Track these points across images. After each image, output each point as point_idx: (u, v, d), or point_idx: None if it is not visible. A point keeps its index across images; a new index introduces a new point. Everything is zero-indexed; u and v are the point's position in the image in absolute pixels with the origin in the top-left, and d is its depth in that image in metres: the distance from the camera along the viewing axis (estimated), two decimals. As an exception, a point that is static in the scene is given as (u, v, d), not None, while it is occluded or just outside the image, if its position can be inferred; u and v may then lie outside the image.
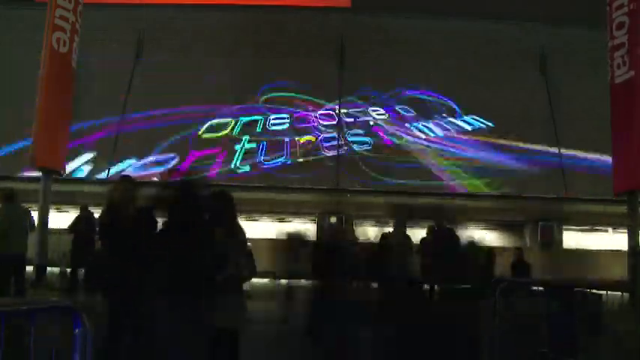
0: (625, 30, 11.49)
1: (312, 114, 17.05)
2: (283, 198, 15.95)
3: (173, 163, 15.82)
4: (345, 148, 16.62)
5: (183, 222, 3.82)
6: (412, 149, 16.54)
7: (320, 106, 17.19)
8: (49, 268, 11.49)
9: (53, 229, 11.90)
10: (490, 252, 7.85)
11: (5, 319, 1.95)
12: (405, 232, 7.43)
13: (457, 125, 16.97)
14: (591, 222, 16.22)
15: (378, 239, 7.58)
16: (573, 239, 15.96)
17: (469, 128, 16.90)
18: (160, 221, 4.04)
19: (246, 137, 16.64)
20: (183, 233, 3.75)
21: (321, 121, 17.05)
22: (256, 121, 16.91)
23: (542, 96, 16.81)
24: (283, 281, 7.67)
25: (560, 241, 15.97)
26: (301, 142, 16.62)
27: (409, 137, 16.81)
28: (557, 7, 16.63)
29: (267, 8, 17.64)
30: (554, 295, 6.43)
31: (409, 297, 6.06)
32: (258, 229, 15.90)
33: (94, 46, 16.45)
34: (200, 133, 16.69)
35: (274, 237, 10.05)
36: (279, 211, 16.62)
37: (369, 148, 16.66)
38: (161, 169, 15.73)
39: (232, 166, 16.31)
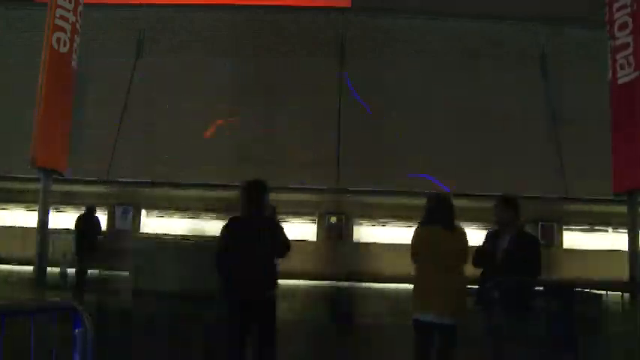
0: (628, 31, 11.49)
1: None
2: (283, 198, 15.92)
3: None
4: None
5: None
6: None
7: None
8: (48, 268, 11.49)
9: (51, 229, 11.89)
10: None
11: (5, 319, 1.95)
12: None
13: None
14: (591, 222, 16.22)
15: None
16: (573, 239, 15.96)
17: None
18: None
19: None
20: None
21: None
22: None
23: (543, 96, 16.80)
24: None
25: (560, 241, 15.97)
26: None
27: None
28: (557, 7, 16.62)
29: (267, 8, 17.62)
30: (554, 295, 6.43)
31: None
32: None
33: (94, 46, 16.48)
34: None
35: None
36: (278, 211, 16.57)
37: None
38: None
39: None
